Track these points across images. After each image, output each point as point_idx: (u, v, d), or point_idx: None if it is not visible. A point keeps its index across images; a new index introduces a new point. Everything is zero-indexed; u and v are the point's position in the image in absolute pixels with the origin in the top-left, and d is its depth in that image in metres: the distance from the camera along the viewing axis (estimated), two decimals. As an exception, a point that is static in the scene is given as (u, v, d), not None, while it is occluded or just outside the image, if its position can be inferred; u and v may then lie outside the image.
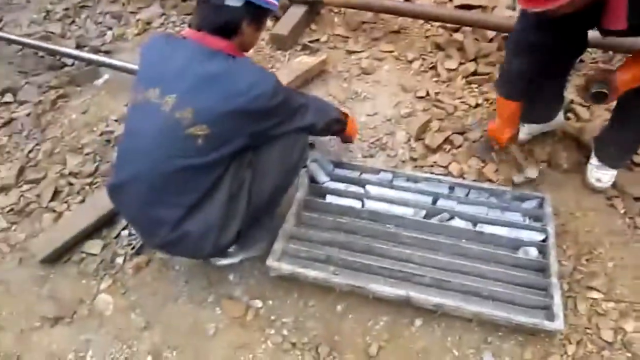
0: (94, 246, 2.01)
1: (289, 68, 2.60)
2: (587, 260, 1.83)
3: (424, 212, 1.92)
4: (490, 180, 2.08)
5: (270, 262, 1.75)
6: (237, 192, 1.56)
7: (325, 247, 1.85)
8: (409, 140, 2.27)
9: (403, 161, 2.21)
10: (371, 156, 2.24)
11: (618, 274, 1.80)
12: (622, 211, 1.97)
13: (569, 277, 1.78)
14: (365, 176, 2.07)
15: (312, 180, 2.05)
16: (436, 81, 2.54)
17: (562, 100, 2.14)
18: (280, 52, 2.80)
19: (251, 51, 2.82)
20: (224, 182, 1.52)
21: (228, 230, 1.57)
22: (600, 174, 2.00)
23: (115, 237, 2.03)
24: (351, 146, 2.26)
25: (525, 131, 2.17)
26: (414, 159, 2.20)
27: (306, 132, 1.74)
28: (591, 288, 1.75)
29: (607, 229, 1.92)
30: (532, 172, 2.04)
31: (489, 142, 2.17)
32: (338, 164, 2.12)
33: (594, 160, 2.01)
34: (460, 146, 2.22)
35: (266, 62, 2.74)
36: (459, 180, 2.04)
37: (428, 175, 2.06)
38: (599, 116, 2.28)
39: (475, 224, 1.88)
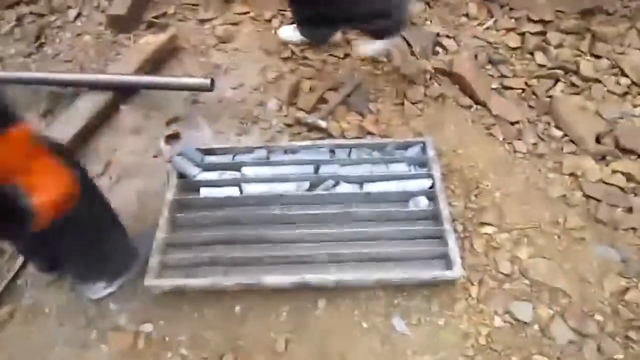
0: (-58, 310, 1.68)
1: (136, 51, 2.29)
2: (475, 196, 1.82)
3: (307, 184, 1.79)
4: (371, 134, 1.99)
5: (149, 280, 1.55)
6: None
7: (208, 248, 1.67)
8: (281, 107, 2.10)
9: (279, 131, 2.04)
10: (245, 133, 2.05)
11: (506, 202, 1.80)
12: (501, 138, 1.97)
13: (462, 217, 1.76)
14: (239, 158, 1.88)
15: (181, 175, 1.83)
16: (300, 37, 2.37)
17: None
18: (123, 35, 2.46)
19: (89, 38, 2.49)
20: None
21: None
22: None
23: (-33, 294, 1.72)
24: (221, 126, 2.06)
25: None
26: (289, 126, 2.05)
27: None
28: (484, 223, 1.74)
29: (490, 160, 1.91)
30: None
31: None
32: (208, 151, 1.91)
33: None
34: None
35: (109, 50, 2.40)
36: (339, 141, 1.93)
37: (306, 143, 1.92)
38: (466, 45, 2.25)
39: (361, 185, 1.78)
